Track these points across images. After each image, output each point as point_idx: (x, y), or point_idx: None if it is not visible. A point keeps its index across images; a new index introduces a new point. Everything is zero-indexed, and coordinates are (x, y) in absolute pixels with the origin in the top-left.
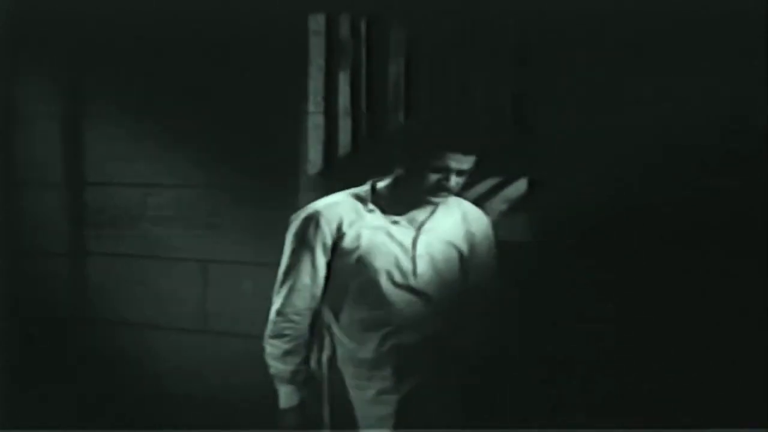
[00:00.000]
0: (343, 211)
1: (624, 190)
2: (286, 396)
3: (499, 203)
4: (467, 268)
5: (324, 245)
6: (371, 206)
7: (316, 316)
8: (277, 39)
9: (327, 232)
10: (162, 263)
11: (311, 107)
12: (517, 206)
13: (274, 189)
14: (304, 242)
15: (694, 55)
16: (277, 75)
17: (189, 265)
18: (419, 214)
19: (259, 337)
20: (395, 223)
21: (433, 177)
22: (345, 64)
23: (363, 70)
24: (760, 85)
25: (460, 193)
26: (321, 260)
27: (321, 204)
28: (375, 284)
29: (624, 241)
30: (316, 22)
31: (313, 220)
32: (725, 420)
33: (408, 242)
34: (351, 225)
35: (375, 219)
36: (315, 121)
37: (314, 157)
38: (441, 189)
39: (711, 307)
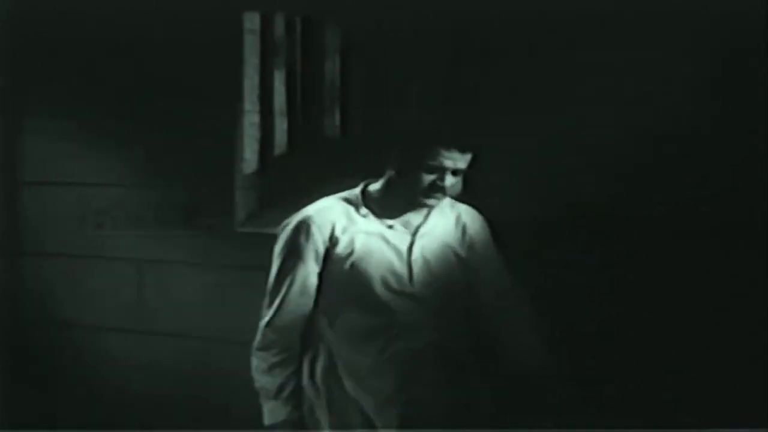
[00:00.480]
0: (336, 216)
1: (560, 188)
2: (271, 412)
3: None
4: (467, 271)
5: (316, 253)
6: (364, 210)
7: (307, 326)
8: (212, 37)
9: (319, 240)
10: (98, 263)
11: (247, 106)
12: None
13: (210, 188)
14: (295, 251)
15: (628, 54)
16: (213, 74)
17: (125, 264)
18: (414, 218)
19: (197, 337)
20: (390, 227)
21: (428, 178)
22: (280, 63)
23: (298, 69)
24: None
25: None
26: (313, 269)
27: (312, 209)
28: (371, 291)
29: (558, 243)
30: (251, 21)
31: (304, 227)
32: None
33: (404, 247)
34: (344, 231)
35: (369, 224)
36: (251, 119)
37: (250, 156)
38: (435, 190)
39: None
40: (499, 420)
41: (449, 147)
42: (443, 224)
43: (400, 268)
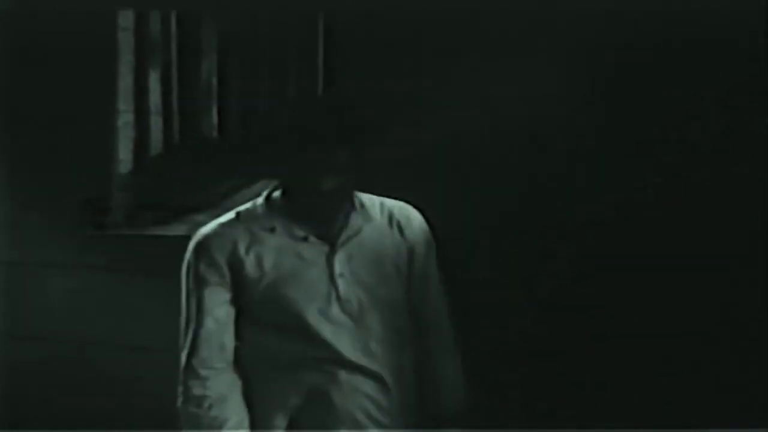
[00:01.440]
0: (237, 234)
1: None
2: None
3: None
4: (408, 284)
5: (221, 278)
6: (269, 223)
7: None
8: (86, 35)
9: (221, 262)
10: None
11: (121, 105)
12: None
13: (85, 188)
14: (197, 280)
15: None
16: (87, 73)
17: None
18: (330, 225)
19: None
20: (304, 239)
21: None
22: (155, 62)
23: (174, 68)
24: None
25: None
26: (223, 297)
27: (208, 229)
28: (294, 316)
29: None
30: (125, 19)
31: (201, 250)
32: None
33: (322, 261)
34: (248, 250)
35: (277, 239)
36: (125, 119)
37: (125, 155)
38: (341, 190)
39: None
40: None
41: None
42: (371, 228)
43: (323, 286)
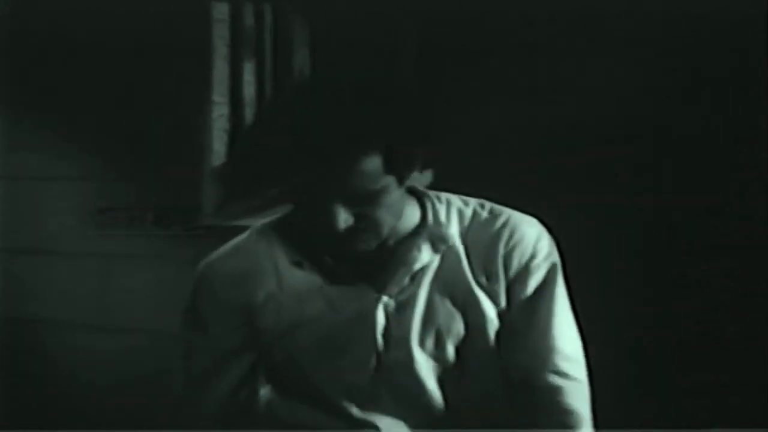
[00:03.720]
0: (252, 266)
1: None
2: None
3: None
4: (506, 326)
5: (224, 323)
6: (297, 256)
7: None
8: (180, 27)
9: (225, 305)
10: (59, 258)
11: (216, 97)
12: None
13: (178, 180)
14: (194, 321)
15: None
16: (181, 64)
17: (93, 260)
18: (375, 260)
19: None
20: (339, 280)
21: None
22: (249, 53)
23: (268, 60)
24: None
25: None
26: (225, 347)
27: (216, 256)
28: (319, 388)
29: None
30: (220, 11)
31: (203, 287)
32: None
33: (364, 312)
34: (269, 295)
35: (305, 277)
36: (220, 111)
37: (219, 147)
38: (375, 223)
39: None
40: None
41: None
42: (448, 256)
43: (363, 350)
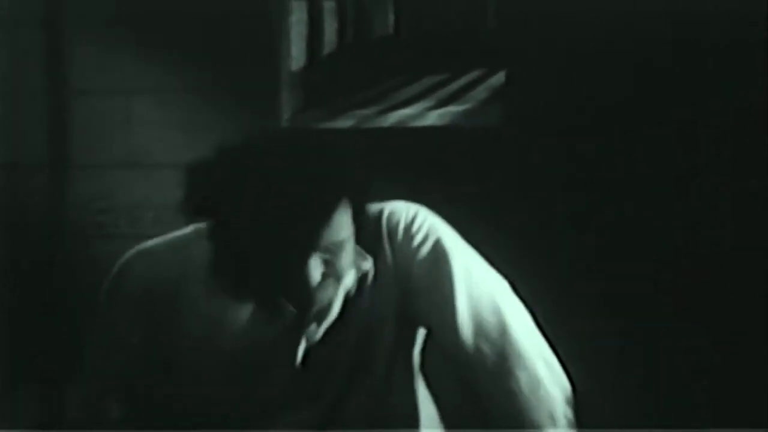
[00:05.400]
0: (177, 265)
1: (605, 83)
2: None
3: (479, 93)
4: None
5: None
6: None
7: None
8: None
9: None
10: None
11: (293, 3)
12: (495, 96)
13: (255, 87)
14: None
15: None
16: None
17: (168, 171)
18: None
19: None
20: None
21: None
22: None
23: None
24: None
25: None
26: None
27: (150, 246)
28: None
29: (601, 137)
30: None
31: (124, 272)
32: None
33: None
34: (191, 301)
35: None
36: (298, 16)
37: (297, 53)
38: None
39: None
40: None
41: None
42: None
43: (281, 376)
